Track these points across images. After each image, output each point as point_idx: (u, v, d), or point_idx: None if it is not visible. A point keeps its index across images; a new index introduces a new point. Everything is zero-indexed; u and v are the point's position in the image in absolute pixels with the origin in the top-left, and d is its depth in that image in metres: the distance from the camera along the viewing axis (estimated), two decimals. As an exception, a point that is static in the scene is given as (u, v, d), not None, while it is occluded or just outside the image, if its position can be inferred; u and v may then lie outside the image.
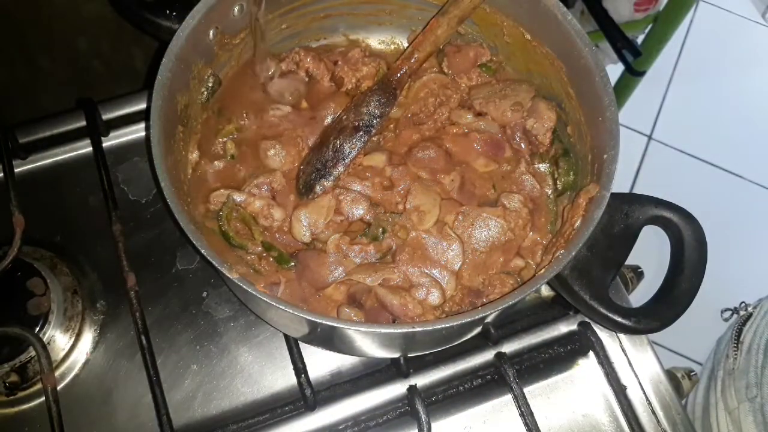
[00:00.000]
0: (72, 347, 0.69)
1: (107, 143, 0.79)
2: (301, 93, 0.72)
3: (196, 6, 0.61)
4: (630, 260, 0.61)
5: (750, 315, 1.16)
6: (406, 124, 0.71)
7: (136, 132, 0.80)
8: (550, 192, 0.68)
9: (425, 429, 0.63)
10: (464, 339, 0.65)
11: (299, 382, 0.65)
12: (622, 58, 1.54)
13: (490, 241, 0.64)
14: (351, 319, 0.60)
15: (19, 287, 0.68)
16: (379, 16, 0.76)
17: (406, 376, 0.68)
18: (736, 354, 1.14)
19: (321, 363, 0.70)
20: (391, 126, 0.71)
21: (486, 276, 0.64)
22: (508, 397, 0.68)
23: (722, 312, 1.26)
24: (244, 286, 0.51)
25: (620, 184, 0.54)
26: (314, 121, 0.70)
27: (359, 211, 0.65)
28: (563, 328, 0.72)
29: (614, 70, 1.73)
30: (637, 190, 1.95)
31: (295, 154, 0.68)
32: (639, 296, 0.69)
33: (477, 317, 0.51)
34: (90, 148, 0.76)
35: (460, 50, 0.73)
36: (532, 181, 0.68)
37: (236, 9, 0.65)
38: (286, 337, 0.67)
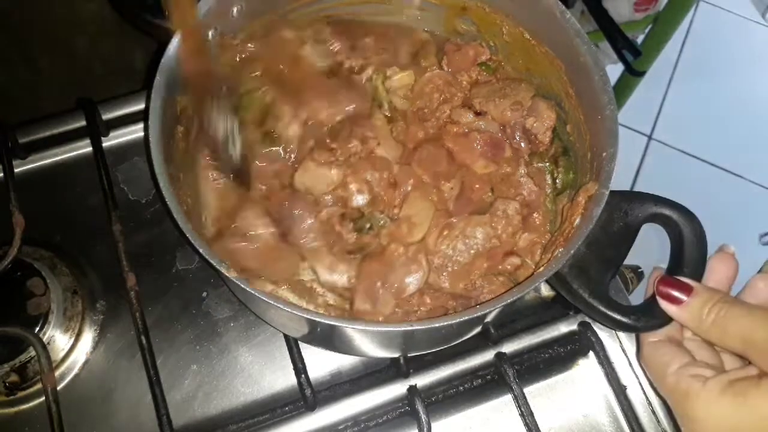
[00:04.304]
0: (72, 347, 0.69)
1: (107, 143, 0.79)
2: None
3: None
4: (630, 260, 0.61)
5: None
6: (413, 119, 0.71)
7: (136, 132, 0.80)
8: (549, 191, 0.68)
9: (425, 429, 0.63)
10: (464, 338, 0.65)
11: (299, 382, 0.65)
12: (622, 58, 1.54)
13: (474, 249, 0.63)
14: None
15: (19, 287, 0.68)
16: (378, 15, 0.76)
17: (406, 376, 0.68)
18: None
19: (321, 363, 0.69)
20: (400, 119, 0.71)
21: (467, 281, 0.63)
22: (508, 397, 0.68)
23: None
24: (244, 286, 0.51)
25: (620, 184, 0.54)
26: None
27: (361, 199, 0.65)
28: (563, 328, 0.72)
29: (614, 70, 1.73)
30: (637, 190, 1.95)
31: None
32: (639, 296, 0.69)
33: (476, 315, 0.51)
34: (90, 148, 0.76)
35: (460, 48, 0.73)
36: (530, 183, 0.68)
37: (235, 10, 0.65)
38: (286, 337, 0.67)
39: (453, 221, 0.64)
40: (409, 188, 0.66)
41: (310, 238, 0.63)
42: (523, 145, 0.69)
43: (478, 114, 0.70)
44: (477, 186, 0.68)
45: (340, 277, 0.63)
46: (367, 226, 0.64)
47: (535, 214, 0.66)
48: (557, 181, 0.68)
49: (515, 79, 0.72)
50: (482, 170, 0.68)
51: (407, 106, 0.72)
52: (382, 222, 0.64)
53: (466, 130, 0.70)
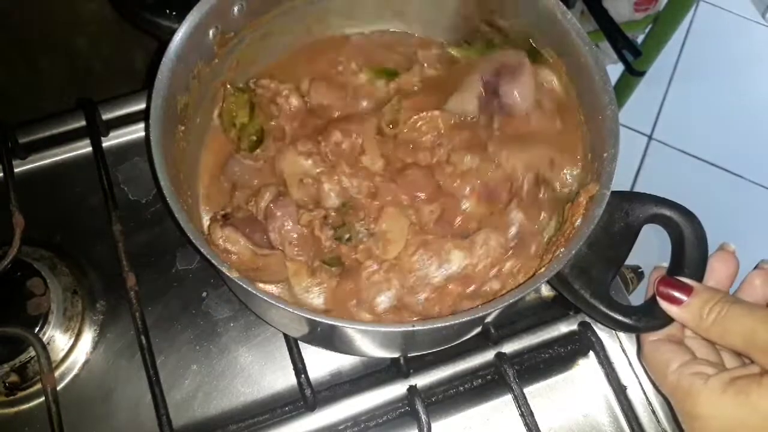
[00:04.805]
0: (72, 347, 0.69)
1: (107, 143, 0.79)
2: None
3: (195, 5, 0.61)
4: (630, 260, 0.61)
5: None
6: (399, 146, 0.68)
7: (136, 132, 0.80)
8: (543, 219, 0.64)
9: (425, 429, 0.63)
10: (464, 339, 0.65)
11: (299, 382, 0.65)
12: (622, 58, 1.54)
13: (447, 272, 0.61)
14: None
15: (19, 287, 0.68)
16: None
17: (406, 376, 0.68)
18: None
19: (321, 363, 0.69)
20: (390, 142, 0.69)
21: (442, 306, 0.61)
22: (508, 397, 0.68)
23: None
24: (245, 286, 0.51)
25: (621, 183, 0.54)
26: None
27: (333, 201, 0.64)
28: (563, 328, 0.72)
29: (614, 70, 1.73)
30: (637, 190, 1.95)
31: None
32: (639, 296, 0.69)
33: (477, 316, 0.51)
34: (90, 148, 0.76)
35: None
36: (520, 216, 0.63)
37: (236, 8, 0.65)
38: (286, 337, 0.67)
39: (429, 240, 0.62)
40: (388, 200, 0.64)
41: (293, 245, 0.63)
42: (525, 192, 0.64)
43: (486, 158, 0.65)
44: (462, 217, 0.64)
45: (317, 298, 0.62)
46: (346, 236, 0.63)
47: (525, 244, 0.63)
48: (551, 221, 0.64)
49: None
50: (472, 209, 0.65)
51: (392, 132, 0.68)
52: (360, 235, 0.63)
53: (465, 169, 0.65)
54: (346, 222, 0.64)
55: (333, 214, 0.64)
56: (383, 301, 0.61)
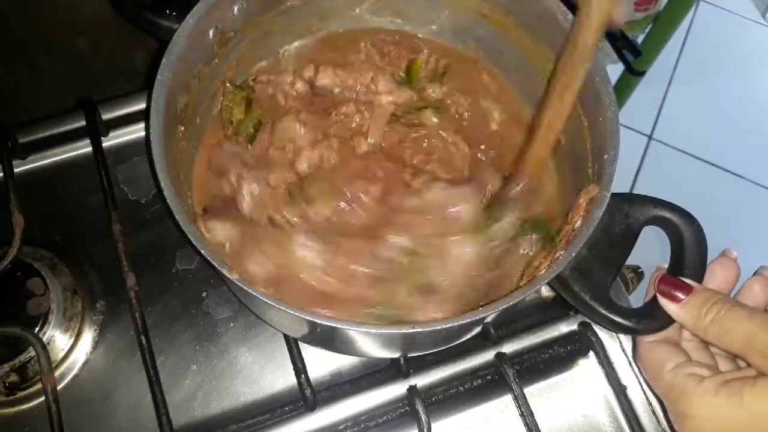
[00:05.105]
0: (72, 347, 0.69)
1: (107, 143, 0.79)
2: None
3: (196, 5, 0.61)
4: (630, 260, 0.61)
5: None
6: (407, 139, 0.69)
7: (136, 132, 0.80)
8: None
9: (425, 429, 0.63)
10: (464, 339, 0.65)
11: (299, 383, 0.65)
12: (622, 58, 1.54)
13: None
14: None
15: (19, 287, 0.68)
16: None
17: (406, 376, 0.68)
18: None
19: (321, 363, 0.69)
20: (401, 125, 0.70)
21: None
22: (508, 397, 0.68)
23: None
24: (244, 287, 0.51)
25: (620, 184, 0.54)
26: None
27: (303, 167, 0.65)
28: (563, 328, 0.72)
29: (614, 70, 1.73)
30: (637, 190, 1.96)
31: None
32: (639, 296, 0.69)
33: (477, 317, 0.51)
34: (90, 148, 0.76)
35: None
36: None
37: (236, 8, 0.65)
38: (286, 337, 0.67)
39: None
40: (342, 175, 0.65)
41: (260, 206, 0.62)
42: None
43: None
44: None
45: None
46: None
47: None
48: None
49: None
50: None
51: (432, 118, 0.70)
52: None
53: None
54: (303, 188, 0.64)
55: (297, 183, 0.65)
56: (257, 272, 0.60)
